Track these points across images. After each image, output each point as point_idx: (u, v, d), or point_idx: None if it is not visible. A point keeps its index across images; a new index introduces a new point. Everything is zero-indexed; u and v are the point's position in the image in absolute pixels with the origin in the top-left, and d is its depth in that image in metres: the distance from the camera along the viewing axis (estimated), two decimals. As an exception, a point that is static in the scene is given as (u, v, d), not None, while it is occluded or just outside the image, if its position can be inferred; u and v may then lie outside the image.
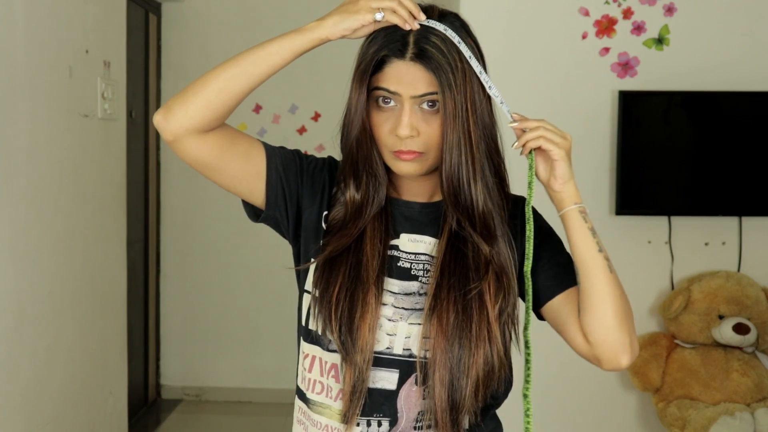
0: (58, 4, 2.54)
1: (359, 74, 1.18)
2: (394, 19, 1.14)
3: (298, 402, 1.28)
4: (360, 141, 1.21)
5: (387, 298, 1.20)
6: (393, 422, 1.20)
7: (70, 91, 2.62)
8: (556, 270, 1.26)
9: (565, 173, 1.19)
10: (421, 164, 1.19)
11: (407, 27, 1.15)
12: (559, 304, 1.25)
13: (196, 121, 1.17)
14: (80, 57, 2.69)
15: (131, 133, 3.58)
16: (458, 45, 1.16)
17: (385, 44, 1.16)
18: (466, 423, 1.21)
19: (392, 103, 1.18)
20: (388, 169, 1.25)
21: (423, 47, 1.15)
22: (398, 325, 1.19)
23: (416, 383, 1.19)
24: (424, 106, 1.17)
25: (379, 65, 1.17)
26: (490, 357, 1.17)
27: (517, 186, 1.31)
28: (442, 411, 1.17)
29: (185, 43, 4.15)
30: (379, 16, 1.14)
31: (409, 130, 1.15)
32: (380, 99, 1.18)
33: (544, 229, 1.29)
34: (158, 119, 1.18)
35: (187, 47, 4.14)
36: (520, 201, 1.30)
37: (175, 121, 1.17)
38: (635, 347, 1.21)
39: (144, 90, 3.99)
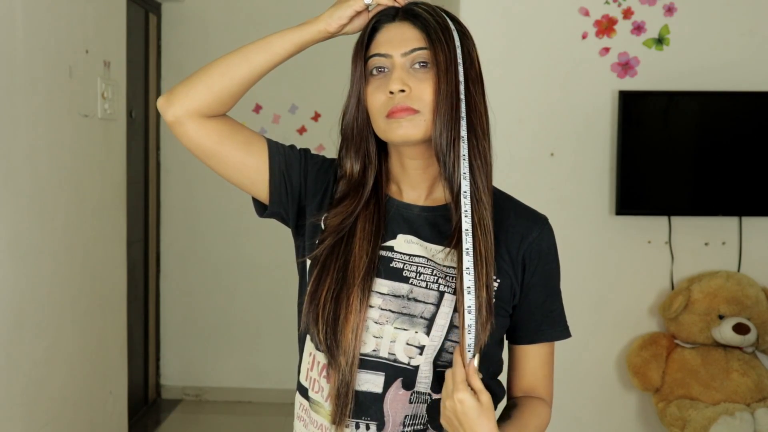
0: (58, 4, 2.54)
1: (356, 48, 1.22)
2: (385, 1, 1.20)
3: (299, 398, 1.28)
4: (356, 116, 1.23)
5: (375, 300, 1.18)
6: (380, 426, 1.18)
7: (70, 91, 2.62)
8: (532, 317, 1.27)
9: None
10: (416, 125, 1.16)
11: (397, 4, 1.21)
12: (514, 350, 1.32)
13: (196, 103, 1.21)
14: (80, 57, 2.69)
15: (131, 133, 3.58)
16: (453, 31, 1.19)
17: (379, 14, 1.22)
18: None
19: (386, 71, 1.19)
20: (388, 166, 1.26)
21: (411, 8, 1.21)
22: (384, 328, 1.17)
23: (403, 387, 1.18)
24: (416, 66, 1.18)
25: (373, 35, 1.21)
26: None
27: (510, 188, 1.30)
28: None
29: (185, 43, 4.15)
30: (368, 0, 1.21)
31: (400, 84, 1.16)
32: (374, 69, 1.20)
33: (547, 268, 1.26)
34: (161, 101, 1.23)
35: (187, 47, 4.14)
36: (509, 206, 1.26)
37: (177, 102, 1.21)
38: None
39: (144, 90, 3.99)
